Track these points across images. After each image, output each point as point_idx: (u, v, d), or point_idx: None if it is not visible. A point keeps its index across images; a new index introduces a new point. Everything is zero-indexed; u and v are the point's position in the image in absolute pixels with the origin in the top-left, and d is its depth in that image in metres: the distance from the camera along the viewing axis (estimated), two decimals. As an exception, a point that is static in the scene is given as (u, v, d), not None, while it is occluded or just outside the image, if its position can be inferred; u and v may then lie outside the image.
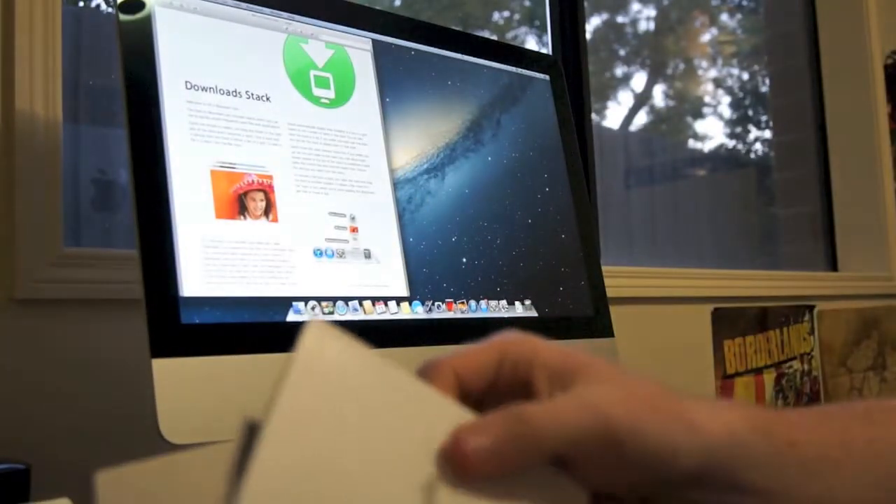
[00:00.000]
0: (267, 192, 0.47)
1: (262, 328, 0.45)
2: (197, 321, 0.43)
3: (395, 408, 0.22)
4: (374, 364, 0.22)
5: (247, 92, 0.48)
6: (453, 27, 0.88)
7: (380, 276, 0.51)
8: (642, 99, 1.34)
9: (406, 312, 0.51)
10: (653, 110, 1.38)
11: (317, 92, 0.52)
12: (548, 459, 0.22)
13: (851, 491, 0.24)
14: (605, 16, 1.27)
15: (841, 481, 0.24)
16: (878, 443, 0.24)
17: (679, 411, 0.23)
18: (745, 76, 1.52)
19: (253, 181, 0.47)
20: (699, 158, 1.43)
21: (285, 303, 0.46)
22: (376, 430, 0.21)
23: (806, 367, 0.92)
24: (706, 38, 1.47)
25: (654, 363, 0.91)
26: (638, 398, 0.23)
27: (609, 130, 1.26)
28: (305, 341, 0.21)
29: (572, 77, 1.00)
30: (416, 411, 0.22)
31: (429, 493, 0.21)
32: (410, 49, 0.57)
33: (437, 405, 0.23)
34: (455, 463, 0.21)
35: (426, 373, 0.24)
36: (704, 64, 1.45)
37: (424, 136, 0.56)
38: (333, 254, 0.49)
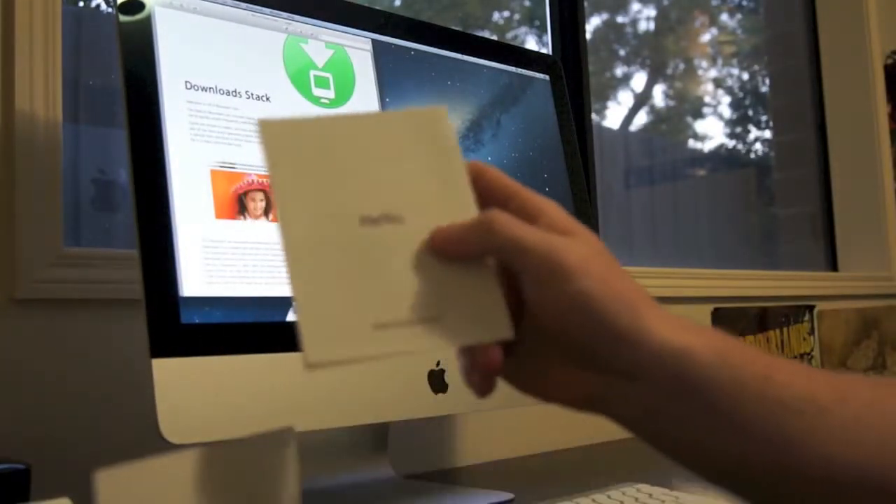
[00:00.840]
0: (267, 191, 0.48)
1: (261, 328, 0.45)
2: (197, 321, 0.43)
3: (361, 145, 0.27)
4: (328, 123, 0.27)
5: (247, 92, 0.49)
6: (453, 27, 0.88)
7: (380, 276, 0.51)
8: (642, 99, 1.34)
9: (406, 312, 0.51)
10: (653, 110, 1.38)
11: (317, 92, 0.52)
12: (497, 259, 0.26)
13: (844, 444, 0.22)
14: (605, 16, 1.27)
15: (829, 429, 0.22)
16: (886, 403, 0.23)
17: (635, 300, 0.24)
18: (745, 76, 1.52)
19: (253, 181, 0.47)
20: (699, 158, 1.43)
21: (285, 303, 0.46)
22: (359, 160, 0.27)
23: (806, 367, 0.92)
24: (706, 38, 1.47)
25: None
26: (600, 265, 0.24)
27: (609, 130, 1.26)
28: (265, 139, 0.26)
29: (572, 77, 1.00)
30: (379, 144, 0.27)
31: (372, 221, 0.26)
32: (410, 49, 0.57)
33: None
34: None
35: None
36: (704, 64, 1.46)
37: (424, 136, 0.56)
38: (333, 254, 0.49)
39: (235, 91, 0.48)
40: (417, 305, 0.25)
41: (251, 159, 0.48)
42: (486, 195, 0.27)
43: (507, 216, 0.26)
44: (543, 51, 1.04)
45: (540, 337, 0.26)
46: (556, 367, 0.26)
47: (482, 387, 0.26)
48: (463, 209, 0.27)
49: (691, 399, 0.23)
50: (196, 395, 0.42)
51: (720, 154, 1.45)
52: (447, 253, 0.26)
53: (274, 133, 0.26)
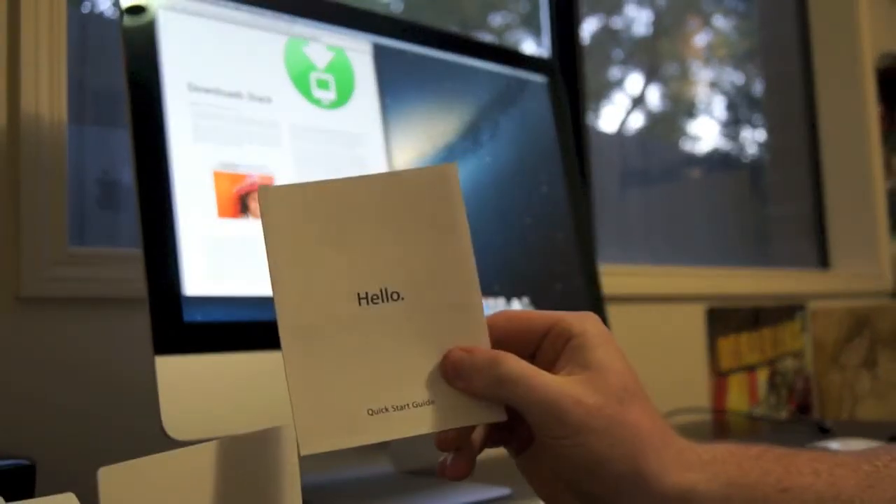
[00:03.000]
0: (268, 192, 0.48)
1: (263, 326, 0.46)
2: (199, 319, 0.44)
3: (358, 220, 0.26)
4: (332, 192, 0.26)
5: (248, 93, 0.49)
6: (452, 30, 0.88)
7: (380, 275, 0.52)
8: (638, 101, 1.35)
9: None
10: (648, 112, 1.39)
11: (317, 94, 0.52)
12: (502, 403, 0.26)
13: None
14: (601, 19, 1.28)
15: None
16: None
17: (643, 450, 0.24)
18: (739, 79, 1.53)
19: (255, 182, 0.48)
20: (694, 160, 1.45)
21: (287, 301, 0.47)
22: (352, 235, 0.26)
23: (798, 364, 0.93)
24: (700, 41, 1.48)
25: (649, 360, 0.92)
26: (610, 417, 0.24)
27: (605, 132, 1.27)
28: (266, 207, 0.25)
29: (568, 79, 1.01)
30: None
31: (367, 299, 0.25)
32: (410, 51, 0.58)
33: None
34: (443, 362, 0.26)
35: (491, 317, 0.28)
36: (699, 66, 1.47)
37: (423, 137, 0.57)
38: (334, 253, 0.50)
39: (237, 93, 0.49)
40: (412, 390, 0.25)
41: (253, 160, 0.48)
42: (525, 333, 0.27)
43: (513, 363, 0.25)
44: (540, 53, 1.05)
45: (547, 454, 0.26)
46: (563, 485, 0.26)
47: (456, 469, 0.27)
48: (464, 290, 0.26)
49: None
50: (199, 392, 0.43)
51: (714, 155, 1.46)
52: (454, 385, 0.26)
53: (274, 200, 0.25)
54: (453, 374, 0.25)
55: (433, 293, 0.26)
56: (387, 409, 0.25)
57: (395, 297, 0.25)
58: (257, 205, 0.25)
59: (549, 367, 0.26)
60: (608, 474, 0.24)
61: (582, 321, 0.26)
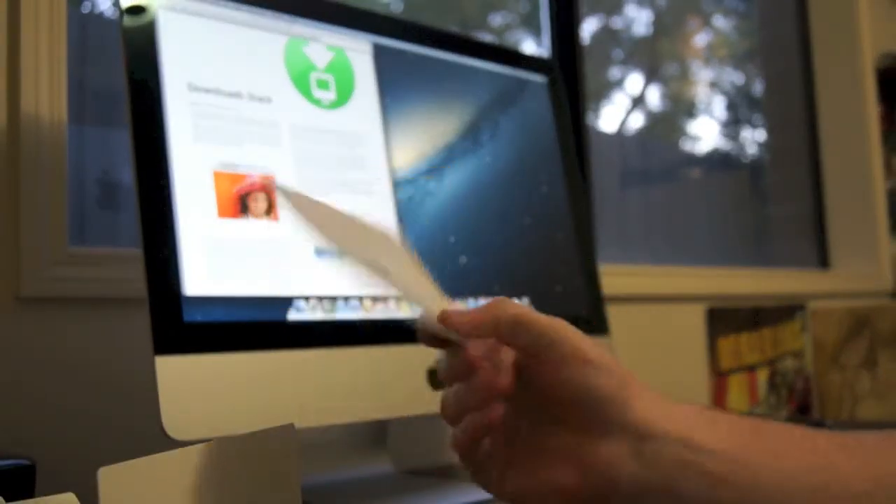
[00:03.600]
0: (268, 192, 0.48)
1: (263, 326, 0.46)
2: (199, 319, 0.44)
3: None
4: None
5: (249, 93, 0.49)
6: (452, 30, 0.88)
7: (380, 275, 0.52)
8: (637, 101, 1.35)
9: (405, 311, 0.52)
10: (648, 112, 1.39)
11: (317, 94, 0.52)
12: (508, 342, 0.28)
13: None
14: (601, 19, 1.28)
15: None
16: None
17: (624, 375, 0.26)
18: (739, 79, 1.53)
19: (255, 182, 0.48)
20: (694, 160, 1.45)
21: (286, 301, 0.47)
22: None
23: (798, 364, 0.93)
24: (700, 41, 1.48)
25: (649, 360, 0.92)
26: (603, 355, 0.27)
27: (605, 132, 1.27)
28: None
29: (569, 79, 1.01)
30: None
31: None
32: (410, 51, 0.58)
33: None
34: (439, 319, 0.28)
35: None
36: (699, 66, 1.47)
37: (424, 137, 0.57)
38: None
39: (237, 93, 0.49)
40: None
41: (253, 160, 0.48)
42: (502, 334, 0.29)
43: (511, 304, 0.28)
44: (540, 54, 1.05)
45: (538, 416, 0.28)
46: (554, 445, 0.27)
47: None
48: None
49: (695, 465, 0.24)
50: (199, 392, 0.43)
51: (714, 155, 1.46)
52: (463, 333, 0.28)
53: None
54: (457, 322, 0.28)
55: None
56: None
57: None
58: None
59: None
60: (598, 403, 0.26)
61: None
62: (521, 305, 0.29)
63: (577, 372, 0.26)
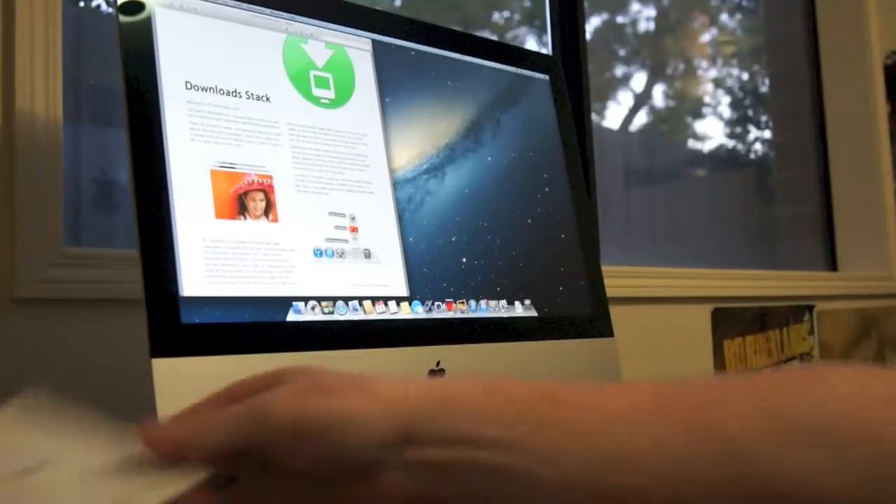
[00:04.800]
0: (267, 192, 0.48)
1: (262, 328, 0.45)
2: (197, 321, 0.43)
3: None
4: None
5: (247, 92, 0.49)
6: (453, 28, 0.88)
7: (380, 276, 0.51)
8: (642, 99, 1.34)
9: (406, 312, 0.51)
10: (652, 110, 1.38)
11: (317, 92, 0.52)
12: (221, 455, 0.24)
13: (651, 447, 0.21)
14: (604, 16, 1.27)
15: (633, 436, 0.21)
16: (680, 398, 0.22)
17: (361, 387, 0.23)
18: (745, 76, 1.52)
19: (253, 181, 0.47)
20: (699, 158, 1.43)
21: (285, 302, 0.47)
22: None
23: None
24: (706, 38, 1.47)
25: (653, 363, 0.91)
26: (312, 388, 0.23)
27: (609, 131, 1.26)
28: None
29: (572, 77, 1.00)
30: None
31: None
32: (410, 49, 0.57)
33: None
34: (147, 443, 0.25)
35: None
36: (704, 64, 1.46)
37: (424, 136, 0.56)
38: (333, 253, 0.49)
39: (235, 91, 0.48)
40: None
41: (251, 159, 0.48)
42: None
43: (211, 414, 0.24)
44: (543, 51, 1.04)
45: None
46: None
47: None
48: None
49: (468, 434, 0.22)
50: (196, 394, 0.42)
51: (720, 154, 1.45)
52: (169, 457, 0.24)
53: None
54: (163, 442, 0.24)
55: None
56: None
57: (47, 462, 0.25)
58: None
59: None
60: (335, 439, 0.22)
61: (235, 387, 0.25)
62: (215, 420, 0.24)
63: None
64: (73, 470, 0.25)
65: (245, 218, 0.46)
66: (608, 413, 0.22)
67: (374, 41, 0.56)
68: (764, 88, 1.53)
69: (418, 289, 0.52)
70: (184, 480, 0.24)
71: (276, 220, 0.48)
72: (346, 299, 0.49)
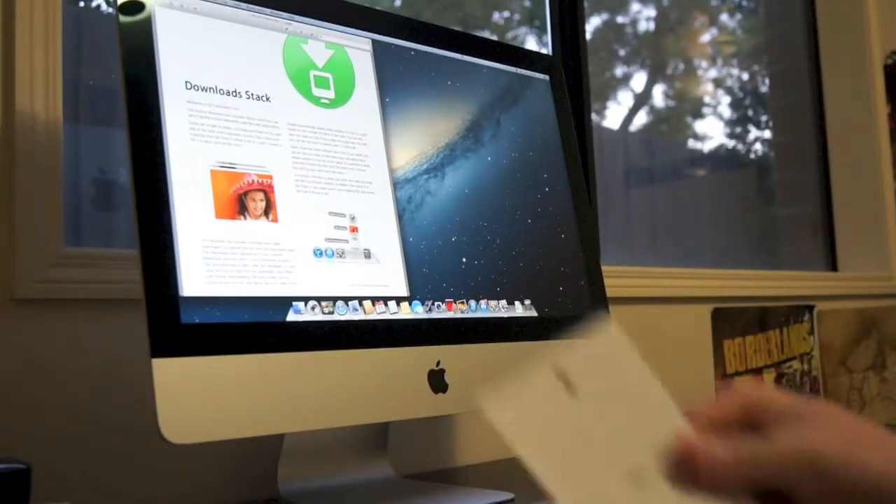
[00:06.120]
0: (267, 191, 0.48)
1: (261, 328, 0.45)
2: (197, 321, 0.43)
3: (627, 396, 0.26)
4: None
5: (247, 92, 0.49)
6: (453, 27, 0.88)
7: (380, 276, 0.51)
8: (642, 99, 1.34)
9: (406, 312, 0.51)
10: (653, 110, 1.38)
11: (317, 92, 0.52)
12: (762, 485, 0.25)
13: None
14: (605, 16, 1.27)
15: None
16: None
17: (888, 446, 0.24)
18: (745, 76, 1.52)
19: (253, 181, 0.47)
20: (699, 158, 1.43)
21: (285, 302, 0.46)
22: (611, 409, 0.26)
23: (806, 366, 0.92)
24: (706, 38, 1.47)
25: (653, 363, 0.90)
26: (848, 436, 0.25)
27: (609, 130, 1.26)
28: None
29: (572, 77, 1.00)
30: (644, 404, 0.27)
31: (638, 478, 0.25)
32: (410, 49, 0.57)
33: (665, 408, 0.27)
34: (682, 461, 0.25)
35: (689, 418, 0.27)
36: (704, 64, 1.46)
37: (424, 136, 0.56)
38: (333, 253, 0.49)
39: (235, 91, 0.48)
40: None
41: (251, 159, 0.48)
42: (715, 427, 0.27)
43: (744, 446, 0.25)
44: (543, 51, 1.04)
45: None
46: None
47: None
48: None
49: None
50: (196, 394, 0.42)
51: (720, 154, 1.45)
52: (709, 482, 0.25)
53: (501, 410, 0.25)
54: (708, 478, 0.24)
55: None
56: None
57: (642, 474, 0.25)
58: (492, 416, 0.25)
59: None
60: (876, 485, 0.23)
61: (759, 389, 0.27)
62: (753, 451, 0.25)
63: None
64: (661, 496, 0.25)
65: (245, 218, 0.46)
66: None
67: (374, 41, 0.56)
68: (764, 88, 1.53)
69: (418, 289, 0.52)
70: None
71: (276, 220, 0.47)
72: (346, 299, 0.49)
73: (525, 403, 0.25)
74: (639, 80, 1.34)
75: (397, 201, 0.53)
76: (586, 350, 0.27)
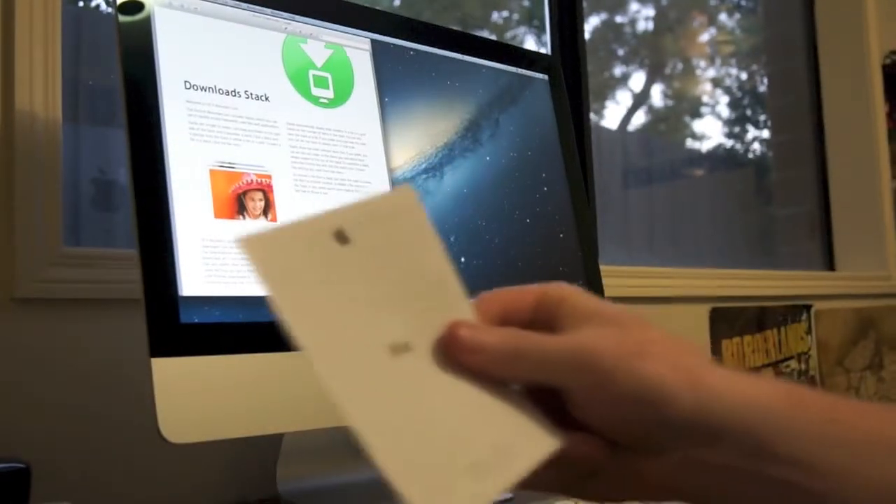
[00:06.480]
0: (266, 191, 0.48)
1: (260, 327, 0.45)
2: (196, 320, 0.43)
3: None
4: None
5: (246, 92, 0.49)
6: (452, 27, 0.88)
7: (379, 276, 0.51)
8: (641, 99, 1.34)
9: (405, 312, 0.51)
10: (651, 110, 1.38)
11: (316, 92, 0.52)
12: (531, 381, 0.24)
13: None
14: (603, 16, 1.27)
15: None
16: None
17: (690, 368, 0.23)
18: (744, 76, 1.52)
19: (252, 181, 0.47)
20: (697, 158, 1.44)
21: (284, 302, 0.46)
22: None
23: (803, 366, 0.92)
24: (705, 38, 1.47)
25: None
26: (639, 343, 0.23)
27: (607, 130, 1.26)
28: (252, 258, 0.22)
29: (571, 77, 1.00)
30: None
31: (403, 349, 0.23)
32: (409, 49, 0.58)
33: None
34: (447, 342, 0.24)
35: (478, 301, 0.26)
36: (703, 64, 1.46)
37: (423, 135, 0.57)
38: (332, 253, 0.49)
39: (235, 91, 0.48)
40: (479, 440, 0.22)
41: (250, 159, 0.48)
42: (507, 315, 0.25)
43: (518, 337, 0.24)
44: (542, 51, 1.04)
45: (598, 444, 0.24)
46: (639, 466, 0.24)
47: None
48: (460, 314, 0.24)
49: (768, 447, 0.22)
50: (195, 394, 0.42)
51: (718, 154, 1.45)
52: (471, 364, 0.24)
53: (260, 249, 0.22)
54: (478, 367, 0.23)
55: (435, 333, 0.24)
56: (475, 465, 0.21)
57: (406, 346, 0.23)
58: (248, 254, 0.22)
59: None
60: (675, 413, 0.22)
61: (560, 287, 0.25)
62: (534, 341, 0.23)
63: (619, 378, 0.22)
64: (429, 368, 0.23)
65: (244, 217, 0.46)
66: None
67: (373, 41, 0.56)
68: (762, 88, 1.53)
69: (417, 288, 0.52)
70: (544, 447, 0.23)
71: (274, 219, 0.48)
72: (346, 299, 0.49)
73: (288, 247, 0.22)
74: (637, 79, 1.34)
75: (396, 201, 0.53)
76: (371, 207, 0.24)
